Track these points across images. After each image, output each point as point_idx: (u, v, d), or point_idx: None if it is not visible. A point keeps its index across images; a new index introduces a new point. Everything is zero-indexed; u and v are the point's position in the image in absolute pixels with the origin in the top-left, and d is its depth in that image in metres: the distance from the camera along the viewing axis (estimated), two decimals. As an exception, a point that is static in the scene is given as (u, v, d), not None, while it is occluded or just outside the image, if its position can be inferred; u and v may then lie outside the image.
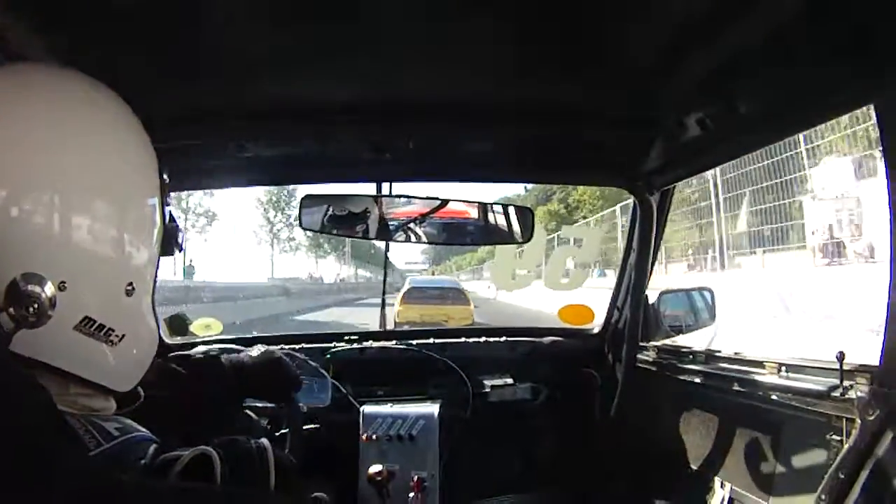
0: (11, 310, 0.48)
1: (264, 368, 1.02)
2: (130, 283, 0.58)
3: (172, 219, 0.66)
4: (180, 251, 0.68)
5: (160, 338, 1.54)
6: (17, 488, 0.37)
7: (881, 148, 0.83)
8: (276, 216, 30.09)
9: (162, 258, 0.65)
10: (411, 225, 1.45)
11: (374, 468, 1.31)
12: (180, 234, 0.68)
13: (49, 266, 0.51)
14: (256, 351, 1.05)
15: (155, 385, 0.70)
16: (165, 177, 0.63)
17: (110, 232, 0.56)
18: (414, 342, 1.76)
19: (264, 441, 0.60)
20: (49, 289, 0.50)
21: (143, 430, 0.58)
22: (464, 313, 10.30)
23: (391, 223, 1.44)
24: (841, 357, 0.98)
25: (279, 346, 1.62)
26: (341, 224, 1.44)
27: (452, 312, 10.11)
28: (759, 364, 1.23)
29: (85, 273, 0.54)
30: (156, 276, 0.64)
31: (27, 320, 0.49)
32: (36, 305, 0.49)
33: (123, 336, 0.58)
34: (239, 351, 1.09)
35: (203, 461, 0.52)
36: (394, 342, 1.75)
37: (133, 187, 0.59)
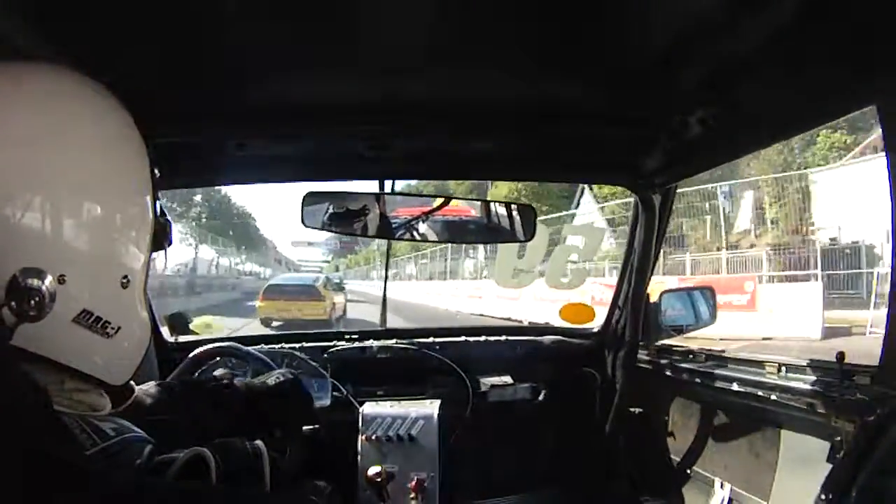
0: (13, 304, 0.49)
1: (282, 395, 0.95)
2: (125, 276, 0.59)
3: (163, 213, 0.66)
4: (170, 245, 0.68)
5: (161, 337, 1.56)
6: (14, 489, 0.37)
7: (884, 148, 0.83)
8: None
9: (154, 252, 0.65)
10: (413, 223, 1.45)
11: (373, 469, 1.30)
12: (170, 229, 0.68)
13: (48, 260, 0.52)
14: (274, 378, 0.97)
15: (165, 409, 0.71)
16: (157, 172, 0.64)
17: (106, 225, 0.57)
18: (414, 342, 1.76)
19: (259, 443, 0.60)
20: (49, 282, 0.51)
21: (139, 430, 0.59)
22: (317, 308, 11.76)
23: (393, 221, 1.43)
24: (841, 357, 0.98)
25: (279, 345, 1.62)
26: (343, 221, 1.43)
27: (306, 307, 11.54)
28: (759, 364, 1.24)
29: (83, 266, 0.55)
30: (148, 270, 0.64)
31: (28, 314, 0.50)
32: (37, 299, 0.50)
33: (119, 328, 0.59)
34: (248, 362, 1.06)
35: (199, 462, 0.52)
36: (394, 341, 1.75)
37: (126, 182, 0.60)
